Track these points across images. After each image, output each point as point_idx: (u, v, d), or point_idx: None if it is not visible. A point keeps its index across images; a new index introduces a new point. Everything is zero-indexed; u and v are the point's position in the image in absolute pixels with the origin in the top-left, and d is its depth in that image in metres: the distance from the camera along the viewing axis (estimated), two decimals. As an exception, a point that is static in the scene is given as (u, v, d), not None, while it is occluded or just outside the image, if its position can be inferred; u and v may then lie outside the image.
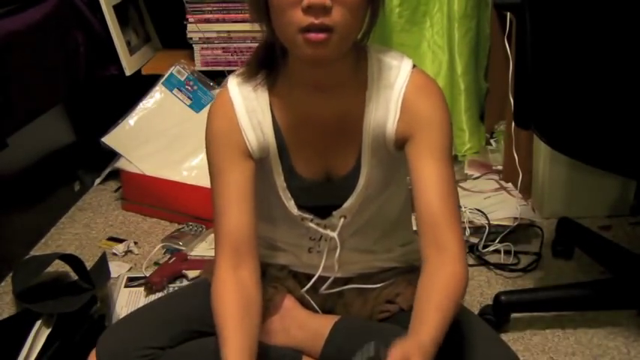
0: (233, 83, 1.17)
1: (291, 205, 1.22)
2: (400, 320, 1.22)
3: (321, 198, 1.21)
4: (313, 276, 1.28)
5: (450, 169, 1.13)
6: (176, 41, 2.39)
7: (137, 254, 1.97)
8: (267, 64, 1.15)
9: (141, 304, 1.60)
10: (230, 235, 1.16)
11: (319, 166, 1.20)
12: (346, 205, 1.21)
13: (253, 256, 1.17)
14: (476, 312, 1.55)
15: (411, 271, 1.29)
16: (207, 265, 1.39)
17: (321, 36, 1.00)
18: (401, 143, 1.15)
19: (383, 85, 1.14)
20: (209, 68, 2.33)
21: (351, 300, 1.31)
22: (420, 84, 1.14)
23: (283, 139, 1.18)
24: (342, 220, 1.22)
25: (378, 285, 1.30)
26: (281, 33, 1.05)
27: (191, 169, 2.15)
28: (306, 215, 1.22)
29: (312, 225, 1.23)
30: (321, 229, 1.23)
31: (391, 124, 1.14)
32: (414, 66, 1.16)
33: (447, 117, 1.14)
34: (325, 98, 1.14)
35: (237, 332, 1.08)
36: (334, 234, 1.23)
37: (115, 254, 1.96)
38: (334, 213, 1.22)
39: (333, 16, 1.00)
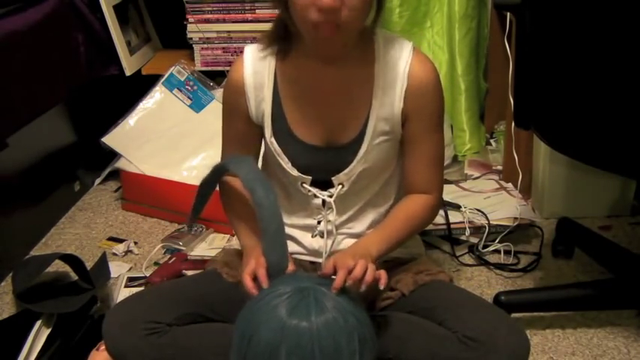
0: (250, 47, 1.32)
1: (289, 166, 1.32)
2: (403, 306, 1.29)
3: (320, 162, 1.31)
4: (316, 263, 1.37)
5: (441, 133, 1.32)
6: (176, 41, 2.39)
7: (137, 254, 1.97)
8: (282, 36, 1.27)
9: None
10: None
11: (321, 131, 1.30)
12: (346, 171, 1.30)
13: None
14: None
15: (409, 262, 1.36)
16: (214, 257, 1.48)
17: (330, 32, 1.14)
18: (404, 116, 1.28)
19: (389, 59, 1.26)
20: (209, 68, 2.33)
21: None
22: (421, 60, 1.28)
23: (280, 103, 1.29)
24: (339, 187, 1.32)
25: None
26: (297, 23, 1.18)
27: (191, 169, 2.14)
28: (305, 176, 1.32)
29: (310, 189, 1.32)
30: (318, 192, 1.33)
31: (399, 95, 1.26)
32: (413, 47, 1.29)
33: (442, 89, 1.30)
34: (333, 71, 1.26)
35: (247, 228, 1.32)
36: (331, 199, 1.33)
37: (115, 254, 1.96)
38: (333, 178, 1.32)
39: (341, 15, 1.12)
